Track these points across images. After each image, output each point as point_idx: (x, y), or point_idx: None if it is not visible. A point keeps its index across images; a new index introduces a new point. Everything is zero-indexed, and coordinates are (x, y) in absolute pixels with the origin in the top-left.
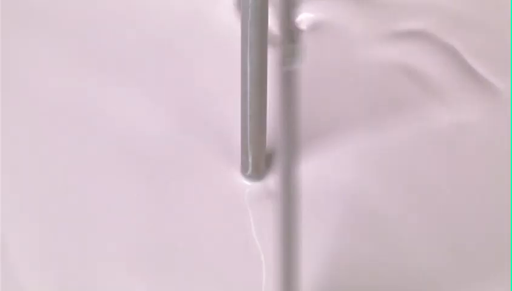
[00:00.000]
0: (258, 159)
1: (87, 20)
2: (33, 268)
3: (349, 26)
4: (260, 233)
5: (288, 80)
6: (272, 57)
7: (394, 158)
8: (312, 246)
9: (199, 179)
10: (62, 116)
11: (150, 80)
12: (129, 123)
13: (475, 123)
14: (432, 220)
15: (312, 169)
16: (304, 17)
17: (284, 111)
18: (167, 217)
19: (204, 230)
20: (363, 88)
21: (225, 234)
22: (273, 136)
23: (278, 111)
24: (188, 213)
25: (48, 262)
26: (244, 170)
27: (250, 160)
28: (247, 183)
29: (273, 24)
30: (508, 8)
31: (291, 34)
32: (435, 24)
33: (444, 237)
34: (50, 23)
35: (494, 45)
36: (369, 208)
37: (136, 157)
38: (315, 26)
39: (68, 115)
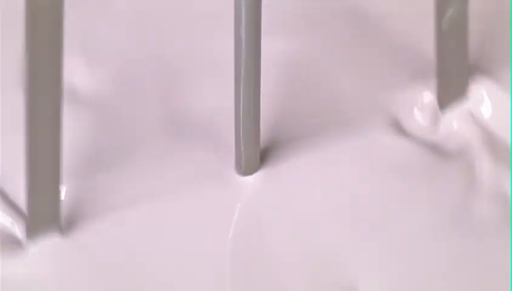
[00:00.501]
0: (252, 155)
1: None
2: None
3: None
4: (253, 228)
5: None
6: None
7: None
8: None
9: (193, 175)
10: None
11: (144, 78)
12: (124, 121)
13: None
14: None
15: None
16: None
17: None
18: (161, 213)
19: (197, 226)
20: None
21: (219, 231)
22: (268, 131)
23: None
24: (181, 209)
25: None
26: (237, 165)
27: (243, 156)
28: (240, 178)
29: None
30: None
31: None
32: None
33: None
34: None
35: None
36: None
37: (130, 155)
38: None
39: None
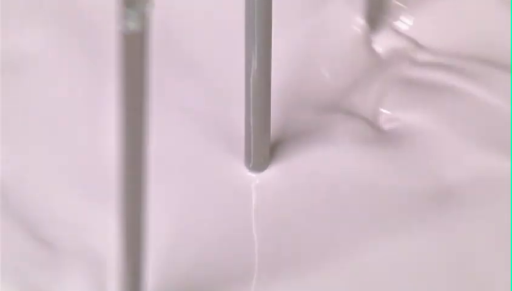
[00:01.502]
0: (262, 151)
1: (92, 20)
2: None
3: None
4: (261, 223)
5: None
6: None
7: None
8: None
9: (202, 170)
10: (63, 116)
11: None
12: None
13: None
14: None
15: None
16: None
17: None
18: (169, 209)
19: (206, 221)
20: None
21: (227, 225)
22: (278, 126)
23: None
24: (190, 203)
25: None
26: (247, 161)
27: (253, 151)
28: (250, 174)
29: None
30: None
31: None
32: None
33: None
34: (51, 22)
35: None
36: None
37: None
38: None
39: (70, 114)
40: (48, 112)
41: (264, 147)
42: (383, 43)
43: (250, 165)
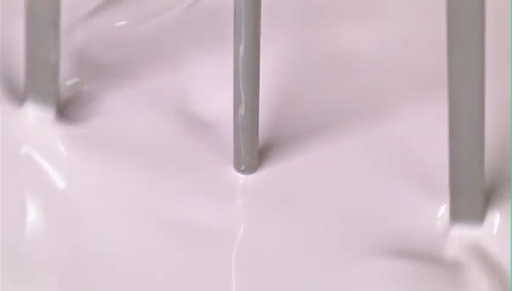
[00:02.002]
0: (251, 154)
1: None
2: None
3: None
4: (252, 226)
5: None
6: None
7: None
8: None
9: (192, 174)
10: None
11: (143, 79)
12: (126, 122)
13: None
14: None
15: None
16: None
17: None
18: (161, 211)
19: (197, 224)
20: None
21: (218, 228)
22: (267, 130)
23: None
24: (181, 207)
25: None
26: (236, 165)
27: (243, 155)
28: (240, 177)
29: None
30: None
31: None
32: None
33: None
34: None
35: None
36: None
37: (133, 154)
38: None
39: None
40: None
41: (253, 150)
42: None
43: (240, 169)
